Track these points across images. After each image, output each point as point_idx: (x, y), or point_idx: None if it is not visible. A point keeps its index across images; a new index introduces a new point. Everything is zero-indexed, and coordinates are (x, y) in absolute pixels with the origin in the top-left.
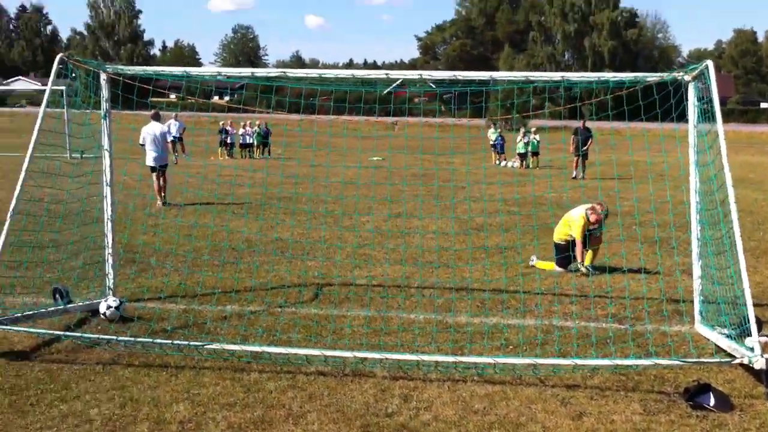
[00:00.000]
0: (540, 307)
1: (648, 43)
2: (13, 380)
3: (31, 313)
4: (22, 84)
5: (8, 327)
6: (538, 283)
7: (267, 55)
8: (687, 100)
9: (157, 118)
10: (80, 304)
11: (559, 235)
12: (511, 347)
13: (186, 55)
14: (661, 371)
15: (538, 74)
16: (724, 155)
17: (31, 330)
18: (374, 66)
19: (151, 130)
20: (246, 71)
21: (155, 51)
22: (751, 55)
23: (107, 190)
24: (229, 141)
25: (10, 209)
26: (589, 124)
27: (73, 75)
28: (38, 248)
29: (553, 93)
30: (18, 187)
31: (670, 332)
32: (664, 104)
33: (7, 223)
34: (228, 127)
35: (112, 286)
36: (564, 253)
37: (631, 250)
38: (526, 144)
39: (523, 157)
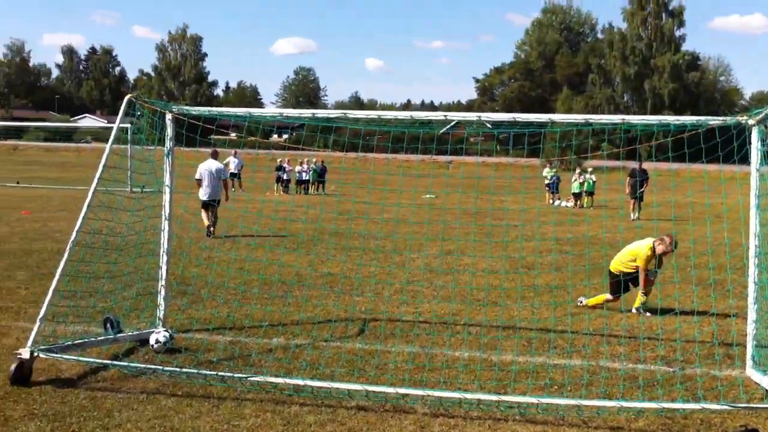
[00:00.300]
0: (587, 347)
1: (710, 86)
2: (57, 407)
3: (80, 341)
4: (88, 121)
5: (57, 355)
6: (587, 323)
7: (326, 95)
8: (750, 143)
9: (215, 156)
10: (130, 333)
11: (617, 264)
12: (555, 387)
13: (248, 95)
14: (708, 416)
15: (598, 116)
16: None
17: (79, 358)
18: (431, 106)
19: (207, 166)
20: (307, 112)
21: (218, 91)
22: None
23: (165, 224)
24: (285, 177)
25: (70, 240)
26: (646, 165)
27: (139, 114)
28: (93, 278)
29: (611, 134)
30: (80, 220)
31: (721, 376)
32: (726, 147)
33: (66, 254)
34: (285, 164)
35: (162, 317)
36: (617, 280)
37: (685, 292)
38: (581, 184)
39: (577, 196)
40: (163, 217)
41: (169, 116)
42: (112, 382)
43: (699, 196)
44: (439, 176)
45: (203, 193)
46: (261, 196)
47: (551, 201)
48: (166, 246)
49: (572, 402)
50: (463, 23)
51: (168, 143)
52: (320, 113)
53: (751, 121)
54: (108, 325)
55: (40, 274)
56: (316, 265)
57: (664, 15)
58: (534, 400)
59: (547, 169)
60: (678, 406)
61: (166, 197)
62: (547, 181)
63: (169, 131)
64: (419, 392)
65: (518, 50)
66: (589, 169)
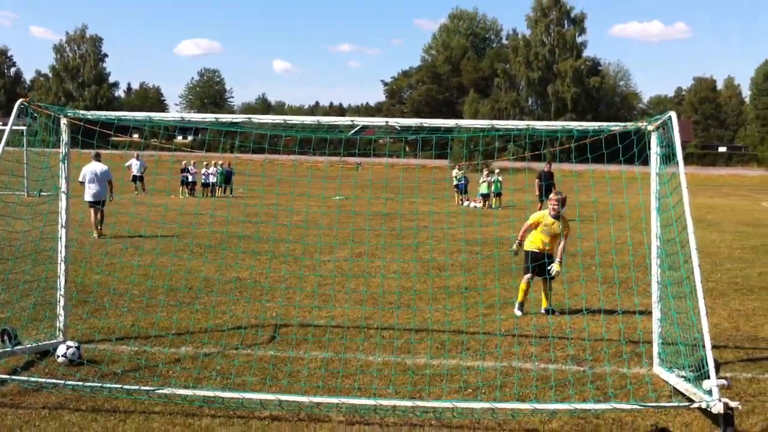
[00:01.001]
0: (500, 349)
1: (610, 90)
2: None
3: None
4: None
5: None
6: (498, 324)
7: (233, 97)
8: (649, 148)
9: (98, 158)
10: (29, 345)
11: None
12: (470, 390)
13: (151, 96)
14: (619, 414)
15: (504, 122)
16: (686, 202)
17: None
18: (340, 108)
19: (91, 168)
20: (210, 117)
21: (120, 93)
22: (710, 101)
23: (62, 231)
24: (191, 180)
25: None
26: (566, 166)
27: (34, 116)
28: None
29: (517, 137)
30: None
31: (630, 374)
32: (627, 150)
33: None
34: (190, 167)
35: (62, 327)
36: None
37: (591, 291)
38: (489, 185)
39: (485, 197)
40: (60, 224)
41: (64, 121)
42: (12, 397)
43: (603, 197)
44: (348, 179)
45: (88, 195)
46: (165, 199)
47: (460, 202)
48: (63, 253)
49: (487, 405)
50: (372, 27)
51: (63, 148)
52: (224, 118)
53: (650, 127)
54: (5, 337)
55: None
56: (223, 270)
57: (566, 22)
58: (449, 404)
59: (456, 171)
60: (590, 406)
61: (63, 203)
62: (455, 182)
63: (64, 136)
64: (333, 400)
65: (426, 54)
66: (496, 171)
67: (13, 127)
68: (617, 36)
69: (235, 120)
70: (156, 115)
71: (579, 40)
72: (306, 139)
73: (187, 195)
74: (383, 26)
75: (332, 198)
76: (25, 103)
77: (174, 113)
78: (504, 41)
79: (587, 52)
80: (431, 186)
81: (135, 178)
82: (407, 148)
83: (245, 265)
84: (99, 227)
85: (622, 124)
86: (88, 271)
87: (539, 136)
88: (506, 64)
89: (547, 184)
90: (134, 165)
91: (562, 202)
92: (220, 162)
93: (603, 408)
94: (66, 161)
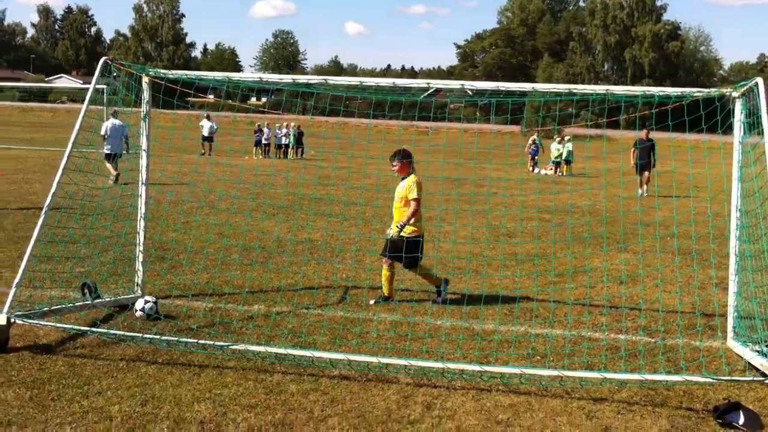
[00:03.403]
0: (569, 317)
1: (689, 56)
2: (35, 374)
3: (58, 307)
4: (64, 82)
5: (34, 321)
6: (569, 293)
7: (306, 59)
8: (733, 116)
9: (115, 115)
10: (108, 299)
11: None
12: (538, 357)
13: (226, 57)
14: (690, 387)
15: (582, 87)
16: None
17: (57, 324)
18: (411, 72)
19: (110, 124)
20: (287, 78)
21: (196, 53)
22: None
23: (142, 189)
24: (264, 142)
25: (45, 205)
26: (632, 134)
27: (115, 75)
28: (70, 243)
29: (592, 104)
30: (54, 184)
31: (702, 347)
32: (710, 119)
33: (41, 218)
34: (264, 128)
35: (140, 283)
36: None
37: (666, 264)
38: (561, 152)
39: (557, 165)
40: (140, 182)
41: (145, 80)
42: (91, 349)
43: (682, 167)
44: (421, 143)
45: (106, 147)
46: (240, 161)
47: (532, 168)
48: (143, 210)
49: (555, 373)
50: None
51: (144, 107)
52: (300, 79)
53: (735, 94)
54: (86, 290)
55: (15, 237)
56: (296, 231)
57: None
58: (517, 370)
59: (534, 137)
60: (661, 378)
61: (143, 161)
62: (531, 150)
63: (146, 95)
64: (402, 362)
65: (501, 16)
66: (567, 138)
67: (96, 86)
68: (698, 0)
69: (311, 81)
70: (235, 75)
71: (659, 3)
72: (379, 103)
73: (261, 156)
74: None
75: None
76: (109, 62)
77: (252, 74)
78: (581, 4)
79: (667, 16)
80: (506, 152)
81: (204, 138)
82: (479, 113)
83: (317, 226)
84: (118, 175)
85: (706, 90)
86: (165, 228)
87: (617, 102)
88: (583, 27)
89: (644, 147)
90: (205, 125)
91: (399, 154)
92: (292, 123)
93: (674, 380)
94: (147, 120)
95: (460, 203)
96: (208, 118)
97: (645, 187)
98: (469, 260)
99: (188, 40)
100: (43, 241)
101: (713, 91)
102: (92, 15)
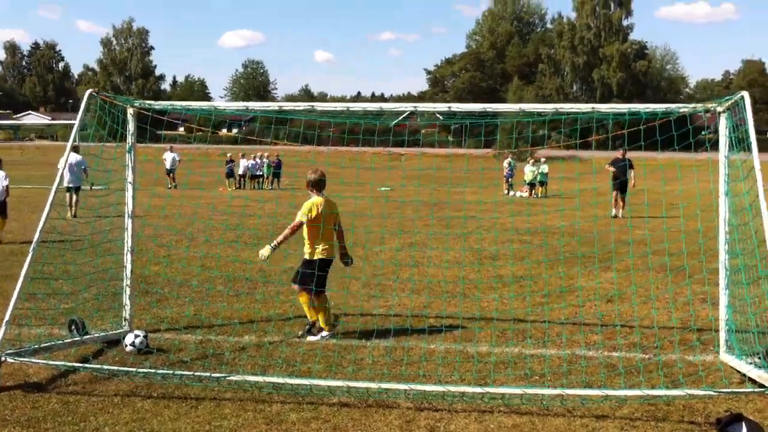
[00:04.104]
0: (564, 336)
1: (656, 75)
2: (29, 412)
3: (48, 344)
4: (32, 118)
5: (26, 359)
6: (558, 312)
7: (276, 88)
8: (718, 131)
9: (76, 150)
10: (97, 335)
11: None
12: (536, 377)
13: (196, 89)
14: (690, 402)
15: (569, 106)
16: (760, 186)
17: (49, 362)
18: (382, 98)
19: (71, 159)
20: (273, 105)
21: (165, 86)
22: (759, 85)
23: (128, 222)
24: (240, 172)
25: (34, 240)
26: (604, 154)
27: (100, 108)
28: (54, 280)
29: (558, 125)
30: (43, 219)
31: (697, 362)
32: (681, 138)
33: (30, 254)
34: (241, 159)
35: (128, 317)
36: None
37: (652, 280)
38: (535, 174)
39: (532, 186)
40: (127, 215)
41: (130, 111)
42: (84, 385)
43: (654, 186)
44: (395, 168)
45: (66, 181)
46: (213, 192)
47: (507, 191)
48: (130, 244)
49: (557, 392)
50: (412, 14)
51: (130, 139)
52: (287, 106)
53: (720, 108)
54: (73, 327)
55: None
56: (277, 260)
57: (612, 4)
58: (518, 390)
59: (509, 159)
60: (662, 392)
61: (129, 194)
62: (506, 172)
63: (131, 126)
64: (402, 386)
65: (470, 40)
66: (542, 159)
67: (65, 122)
68: (663, 18)
69: (297, 108)
70: (221, 105)
71: (625, 23)
72: (351, 129)
73: (235, 187)
74: (424, 13)
75: (379, 188)
76: (94, 94)
77: (238, 102)
78: (549, 25)
79: (633, 36)
80: (480, 175)
81: (168, 171)
82: (450, 138)
83: (298, 254)
84: (73, 209)
85: (691, 105)
86: (146, 262)
87: (589, 122)
88: (551, 49)
89: (621, 165)
90: (168, 158)
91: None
92: (266, 154)
93: (675, 394)
94: (132, 152)
95: (438, 227)
96: (171, 150)
97: (621, 211)
98: (453, 284)
99: (157, 72)
100: (27, 279)
101: (699, 107)
102: (60, 50)
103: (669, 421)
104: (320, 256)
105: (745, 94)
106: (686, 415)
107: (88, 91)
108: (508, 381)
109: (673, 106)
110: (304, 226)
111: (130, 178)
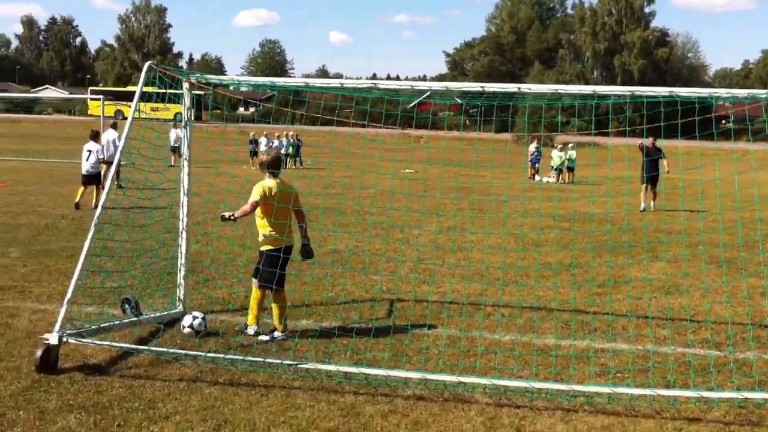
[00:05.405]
0: (631, 330)
1: (678, 62)
2: (94, 397)
3: (106, 325)
4: (49, 92)
5: (87, 340)
6: (618, 304)
7: (293, 68)
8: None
9: (114, 126)
10: (153, 315)
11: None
12: (618, 375)
13: (213, 67)
14: None
15: (610, 88)
16: None
17: (112, 344)
18: (398, 80)
19: (110, 136)
20: (335, 82)
21: (182, 63)
22: None
23: (184, 200)
24: (262, 149)
25: (95, 217)
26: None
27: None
28: (106, 257)
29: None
30: (103, 195)
31: None
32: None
33: (91, 231)
34: (263, 138)
35: (182, 298)
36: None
37: (706, 273)
38: (563, 160)
39: (559, 172)
40: (182, 192)
41: (186, 85)
42: (145, 369)
43: (683, 176)
44: (416, 149)
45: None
46: (241, 171)
47: (532, 176)
48: (185, 222)
49: (648, 392)
50: None
51: (186, 113)
52: (348, 83)
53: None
54: (126, 305)
55: (34, 251)
56: (318, 241)
57: None
58: (606, 389)
59: (533, 145)
60: (759, 396)
61: (185, 170)
62: (531, 157)
63: (186, 100)
64: (483, 380)
65: (489, 24)
66: (570, 145)
67: (75, 96)
68: (680, 7)
69: (359, 86)
70: (279, 80)
71: (647, 10)
72: (370, 112)
73: (258, 167)
74: None
75: (402, 171)
76: (153, 66)
77: (297, 78)
78: (569, 11)
79: (654, 23)
80: (507, 157)
81: (172, 149)
82: (467, 121)
83: (339, 236)
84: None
85: (736, 91)
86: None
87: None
88: (571, 34)
89: (652, 159)
90: (172, 135)
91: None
92: (290, 133)
93: None
94: (189, 127)
95: (469, 211)
96: (175, 126)
97: (653, 203)
98: (503, 269)
99: (175, 50)
100: (74, 256)
101: (742, 94)
102: (77, 25)
103: (763, 426)
104: (271, 246)
105: None
106: None
107: (147, 64)
108: (586, 378)
109: (719, 91)
110: (258, 210)
111: (185, 154)
